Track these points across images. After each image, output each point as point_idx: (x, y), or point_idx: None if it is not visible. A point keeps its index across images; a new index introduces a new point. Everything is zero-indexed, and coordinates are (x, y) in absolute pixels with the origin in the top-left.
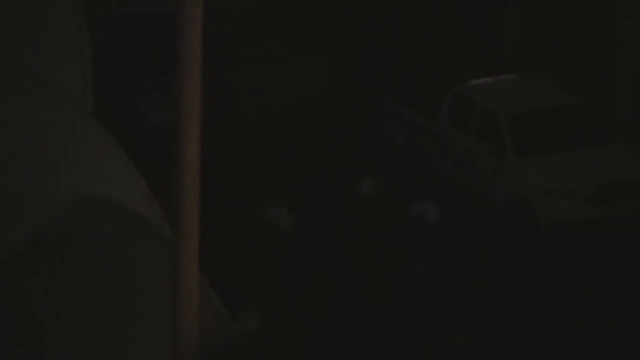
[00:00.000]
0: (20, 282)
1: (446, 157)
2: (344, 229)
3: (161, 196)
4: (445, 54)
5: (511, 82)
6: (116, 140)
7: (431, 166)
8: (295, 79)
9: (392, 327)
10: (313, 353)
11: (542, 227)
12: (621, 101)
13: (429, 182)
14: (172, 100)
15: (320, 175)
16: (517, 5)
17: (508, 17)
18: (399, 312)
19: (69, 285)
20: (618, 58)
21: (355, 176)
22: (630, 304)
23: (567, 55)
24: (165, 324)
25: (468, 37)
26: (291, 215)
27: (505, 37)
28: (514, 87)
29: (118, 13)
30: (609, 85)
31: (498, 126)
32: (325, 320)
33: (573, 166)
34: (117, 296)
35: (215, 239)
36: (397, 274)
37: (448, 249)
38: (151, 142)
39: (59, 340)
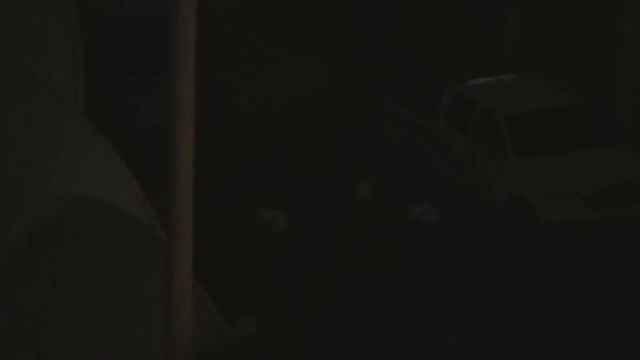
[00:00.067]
0: (12, 283)
1: (445, 158)
2: (341, 231)
3: (154, 197)
4: (445, 53)
5: (511, 82)
6: (109, 141)
7: (430, 167)
8: (294, 78)
9: (392, 327)
10: (312, 353)
11: (541, 229)
12: (622, 101)
13: (427, 183)
14: (165, 100)
15: (318, 176)
16: (517, 4)
17: (508, 17)
18: (398, 312)
19: (61, 286)
20: (619, 57)
21: (354, 177)
22: (630, 305)
23: (567, 54)
24: (158, 325)
25: (468, 37)
26: (287, 216)
27: (505, 36)
28: (513, 87)
29: (111, 12)
30: (610, 85)
31: (497, 126)
32: (324, 321)
33: (573, 167)
34: (109, 298)
35: (209, 241)
36: (396, 275)
37: (446, 251)
38: (144, 142)
39: (51, 341)
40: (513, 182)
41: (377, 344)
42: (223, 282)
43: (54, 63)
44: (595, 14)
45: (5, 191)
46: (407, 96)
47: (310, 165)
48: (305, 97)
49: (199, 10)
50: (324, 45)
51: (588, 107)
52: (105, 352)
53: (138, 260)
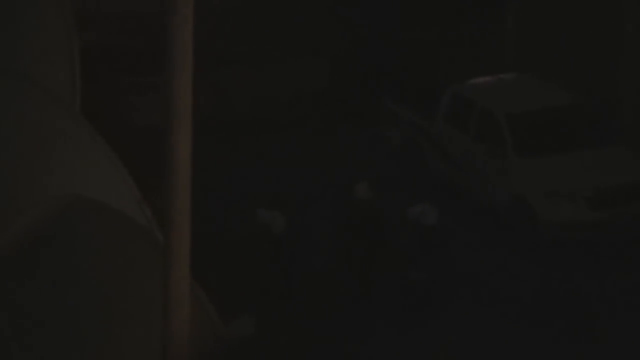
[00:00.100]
0: (9, 283)
1: (445, 158)
2: (340, 231)
3: (152, 197)
4: (445, 53)
5: (511, 81)
6: (106, 141)
7: (429, 167)
8: (293, 78)
9: (392, 327)
10: (312, 353)
11: (542, 229)
12: (623, 101)
13: (427, 184)
14: (163, 100)
15: (317, 176)
16: (517, 3)
17: (508, 16)
18: (398, 312)
19: (58, 286)
20: (620, 57)
21: (353, 177)
22: (630, 306)
23: (568, 53)
24: (156, 326)
25: (468, 36)
26: (285, 217)
27: (506, 35)
28: (514, 86)
29: (109, 11)
30: (611, 85)
31: (498, 126)
32: (324, 321)
33: (574, 167)
34: (106, 298)
35: (207, 241)
36: (396, 276)
37: (446, 251)
38: (141, 142)
39: (48, 342)
40: (513, 182)
41: (377, 344)
42: (221, 282)
43: (51, 63)
44: (596, 13)
45: (1, 191)
46: (407, 96)
47: (310, 165)
48: (305, 96)
49: (198, 10)
50: (324, 45)
51: (589, 107)
52: (103, 352)
53: (135, 260)
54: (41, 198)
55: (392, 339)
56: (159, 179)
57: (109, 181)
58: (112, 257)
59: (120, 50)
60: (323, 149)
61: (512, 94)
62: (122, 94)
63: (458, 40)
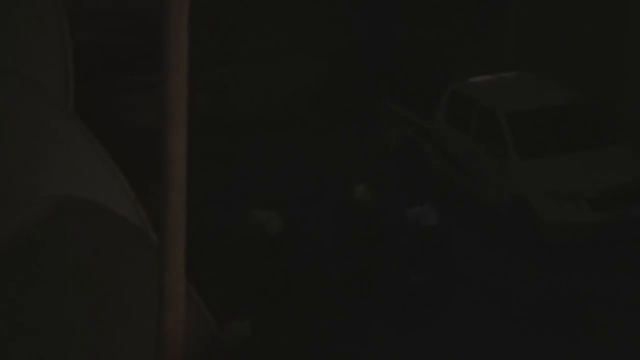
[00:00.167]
0: (2, 284)
1: (445, 158)
2: (338, 233)
3: (146, 198)
4: (444, 51)
5: (512, 79)
6: (99, 140)
7: (429, 167)
8: (291, 77)
9: (392, 327)
10: (311, 353)
11: (542, 230)
12: (627, 99)
13: (426, 184)
14: (158, 100)
15: (316, 176)
16: (518, 1)
17: (509, 13)
18: (398, 312)
19: (51, 287)
20: (624, 54)
21: (352, 178)
22: (630, 306)
23: (569, 52)
24: (150, 327)
25: (468, 34)
26: (282, 218)
27: (506, 34)
28: (515, 85)
29: (103, 7)
30: (613, 83)
31: (498, 125)
32: (323, 321)
33: (576, 168)
34: (100, 299)
35: (203, 242)
36: (395, 277)
37: (446, 252)
38: (136, 142)
39: (41, 343)
40: (513, 182)
41: (377, 344)
42: (218, 283)
43: (44, 62)
44: (597, 12)
45: None
46: (406, 96)
47: (309, 165)
48: (304, 96)
49: (196, 10)
50: (323, 44)
51: (591, 107)
52: (98, 353)
53: (129, 261)
54: (35, 198)
55: (392, 339)
56: (154, 179)
57: (103, 181)
58: (106, 257)
59: (115, 48)
60: (322, 149)
61: (512, 93)
62: (116, 93)
63: (458, 39)
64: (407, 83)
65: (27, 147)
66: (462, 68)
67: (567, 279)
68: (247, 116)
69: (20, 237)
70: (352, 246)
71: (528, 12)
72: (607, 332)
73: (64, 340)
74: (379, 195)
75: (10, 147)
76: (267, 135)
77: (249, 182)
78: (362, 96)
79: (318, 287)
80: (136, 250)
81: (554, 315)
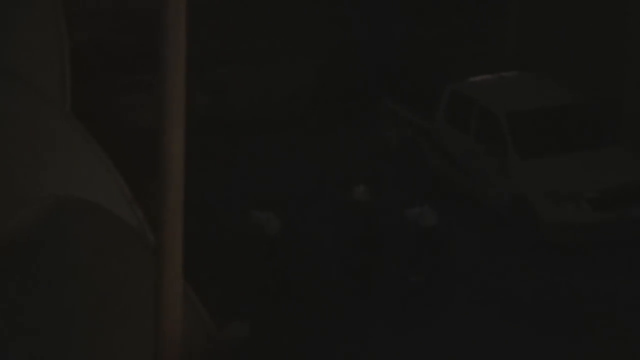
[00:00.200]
0: (0, 284)
1: (444, 158)
2: (337, 234)
3: (144, 199)
4: (444, 51)
5: (513, 79)
6: (97, 141)
7: (429, 167)
8: (291, 77)
9: (392, 327)
10: (312, 354)
11: (543, 231)
12: (628, 98)
13: (426, 185)
14: (155, 100)
15: (316, 177)
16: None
17: (509, 11)
18: (398, 313)
19: (48, 288)
20: (624, 54)
21: (352, 178)
22: (630, 307)
23: (570, 51)
24: (148, 326)
25: (468, 33)
26: (280, 218)
27: (506, 32)
28: (515, 85)
29: (100, 6)
30: (615, 83)
31: (499, 125)
32: (322, 321)
33: (577, 168)
34: (98, 299)
35: (202, 242)
36: (394, 278)
37: (446, 254)
38: (134, 142)
39: (38, 345)
40: (515, 183)
41: (377, 344)
42: (215, 284)
43: (41, 61)
44: (598, 11)
45: None
46: (406, 95)
47: (308, 166)
48: (304, 96)
49: (195, 10)
50: (323, 44)
51: (591, 107)
52: (96, 353)
53: (127, 261)
54: (33, 198)
55: (392, 339)
56: (151, 179)
57: (101, 181)
58: (104, 257)
59: (114, 48)
60: (322, 149)
61: (512, 92)
62: (114, 92)
63: (458, 38)
64: (407, 83)
65: (25, 148)
66: (463, 67)
67: (567, 279)
68: (247, 116)
69: (18, 237)
70: (351, 246)
71: (528, 11)
72: (607, 332)
73: (62, 340)
74: (379, 196)
75: (7, 147)
76: (267, 135)
77: (248, 182)
78: (362, 96)
79: (318, 287)
80: (133, 250)
81: (554, 315)
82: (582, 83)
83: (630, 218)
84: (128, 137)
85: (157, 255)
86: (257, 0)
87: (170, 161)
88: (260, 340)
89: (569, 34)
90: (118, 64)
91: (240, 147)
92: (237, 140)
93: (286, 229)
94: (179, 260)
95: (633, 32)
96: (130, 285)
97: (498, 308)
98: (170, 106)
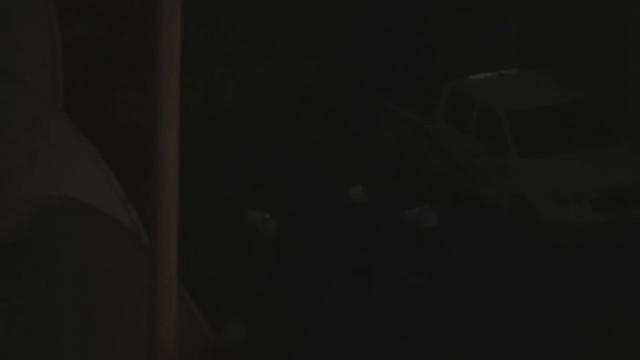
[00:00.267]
0: None
1: (444, 158)
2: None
3: (138, 199)
4: (444, 48)
5: (513, 77)
6: (90, 140)
7: (429, 167)
8: (289, 76)
9: (392, 327)
10: (311, 354)
11: (543, 231)
12: (629, 97)
13: (426, 184)
14: (150, 99)
15: (315, 177)
16: None
17: (510, 10)
18: (398, 313)
19: (41, 289)
20: (625, 53)
21: (350, 178)
22: (631, 307)
23: (572, 48)
24: (141, 329)
25: (468, 31)
26: (276, 219)
27: (508, 30)
28: (516, 83)
29: (95, 2)
30: (616, 82)
31: (499, 124)
32: (321, 322)
33: (578, 168)
34: (91, 300)
35: (197, 243)
36: (394, 278)
37: (446, 254)
38: (127, 141)
39: (34, 343)
40: (515, 183)
41: (377, 344)
42: (211, 285)
43: (32, 58)
44: (600, 9)
45: None
46: (406, 95)
47: (307, 166)
48: (302, 96)
49: (194, 9)
50: (321, 44)
51: (592, 106)
52: (89, 354)
53: (120, 262)
54: (25, 198)
55: (392, 339)
56: (145, 179)
57: (94, 181)
58: (97, 257)
59: (108, 45)
60: (321, 149)
61: (513, 90)
62: (108, 90)
63: (459, 36)
64: (406, 82)
65: (17, 147)
66: (463, 65)
67: (568, 279)
68: (246, 116)
69: (10, 237)
70: (351, 246)
71: (529, 10)
72: (607, 332)
73: (55, 341)
74: (379, 196)
75: None
76: (266, 135)
77: (245, 182)
78: (362, 96)
79: (317, 287)
80: (127, 250)
81: (554, 315)
82: (582, 83)
83: (631, 218)
84: (122, 137)
85: (151, 255)
86: (257, 1)
87: (165, 161)
88: (257, 343)
89: (569, 34)
90: (113, 61)
91: (238, 147)
92: (235, 140)
93: (283, 230)
94: (174, 261)
95: (633, 32)
96: (124, 286)
97: (498, 308)
98: (164, 106)
